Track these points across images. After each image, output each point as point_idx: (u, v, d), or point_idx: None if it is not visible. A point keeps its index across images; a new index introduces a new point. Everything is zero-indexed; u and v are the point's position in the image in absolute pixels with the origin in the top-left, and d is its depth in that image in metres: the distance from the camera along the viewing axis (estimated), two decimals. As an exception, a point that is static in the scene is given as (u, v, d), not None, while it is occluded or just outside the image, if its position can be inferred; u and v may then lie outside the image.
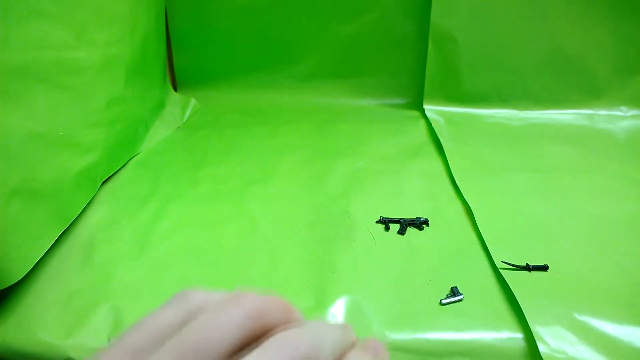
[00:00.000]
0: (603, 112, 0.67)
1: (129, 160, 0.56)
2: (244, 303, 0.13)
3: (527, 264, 0.39)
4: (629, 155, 0.58)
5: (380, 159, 0.57)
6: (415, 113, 0.70)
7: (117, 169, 0.54)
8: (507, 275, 0.38)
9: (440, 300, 0.36)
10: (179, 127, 0.67)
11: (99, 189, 0.49)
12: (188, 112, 0.71)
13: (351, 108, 0.72)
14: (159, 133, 0.63)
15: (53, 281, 0.38)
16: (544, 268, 0.39)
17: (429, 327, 0.34)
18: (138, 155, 0.58)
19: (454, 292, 0.36)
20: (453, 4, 0.66)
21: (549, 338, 0.32)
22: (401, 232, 0.44)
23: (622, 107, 0.67)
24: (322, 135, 0.64)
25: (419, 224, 0.45)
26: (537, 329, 0.33)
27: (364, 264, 0.40)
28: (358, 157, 0.57)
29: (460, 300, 0.36)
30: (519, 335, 0.33)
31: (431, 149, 0.60)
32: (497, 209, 0.47)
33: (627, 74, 0.67)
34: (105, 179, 0.51)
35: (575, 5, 0.64)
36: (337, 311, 0.35)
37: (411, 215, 0.46)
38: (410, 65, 0.72)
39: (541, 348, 0.31)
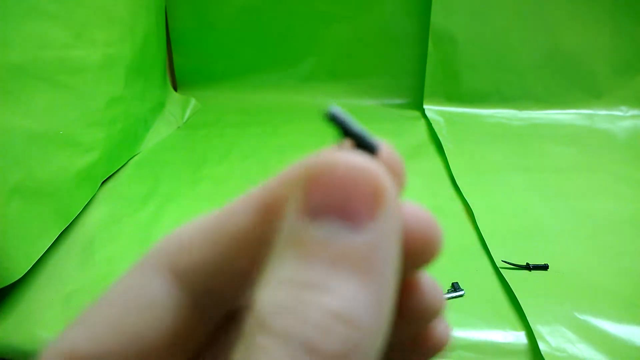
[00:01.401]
0: (603, 112, 0.67)
1: (129, 160, 0.56)
2: None
3: (527, 264, 0.39)
4: (629, 155, 0.58)
5: (380, 159, 0.57)
6: (415, 113, 0.70)
7: (117, 168, 0.54)
8: (508, 274, 0.38)
9: None
10: (179, 127, 0.67)
11: (99, 189, 0.49)
12: (188, 112, 0.71)
13: (351, 108, 0.72)
14: (159, 133, 0.63)
15: (53, 280, 0.38)
16: (544, 267, 0.39)
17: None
18: (138, 154, 0.58)
19: (455, 287, 0.36)
20: (453, 4, 0.66)
21: (549, 337, 0.32)
22: None
23: (622, 107, 0.67)
24: (323, 135, 0.64)
25: None
26: (538, 328, 0.33)
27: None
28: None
29: (461, 295, 0.36)
30: (520, 333, 0.33)
31: (431, 149, 0.60)
32: (497, 208, 0.47)
33: (627, 74, 0.67)
34: (105, 178, 0.51)
35: (576, 5, 0.65)
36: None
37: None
38: (410, 65, 0.72)
39: (542, 346, 0.31)
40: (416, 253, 0.10)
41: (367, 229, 0.08)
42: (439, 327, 0.12)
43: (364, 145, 0.09)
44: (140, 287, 0.10)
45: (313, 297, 0.08)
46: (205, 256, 0.10)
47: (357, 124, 0.09)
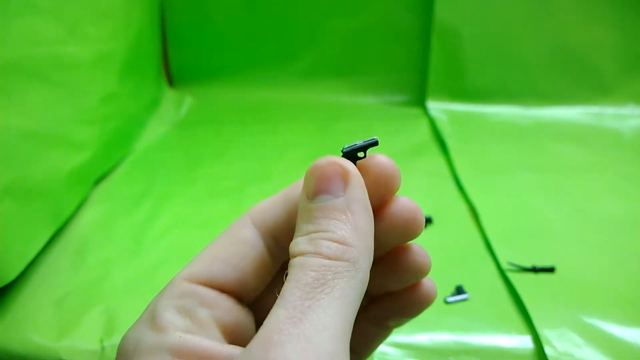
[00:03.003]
0: (610, 110, 0.66)
1: (123, 159, 0.55)
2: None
3: (533, 266, 0.38)
4: (637, 154, 0.57)
5: (381, 157, 0.56)
6: (418, 110, 0.69)
7: (111, 167, 0.53)
8: (513, 276, 0.37)
9: (445, 298, 0.35)
10: (174, 125, 0.66)
11: (92, 188, 0.48)
12: (184, 109, 0.70)
13: (352, 105, 0.71)
14: (154, 131, 0.62)
15: (45, 282, 0.37)
16: (551, 269, 0.38)
17: (434, 326, 0.33)
18: (132, 153, 0.57)
19: (459, 290, 0.36)
20: (458, -2, 0.65)
21: (555, 341, 0.31)
22: None
23: (630, 105, 0.66)
24: (322, 133, 0.63)
25: None
26: (544, 332, 0.32)
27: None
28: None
29: (465, 299, 0.35)
30: (526, 337, 0.32)
31: (434, 147, 0.59)
32: (502, 208, 0.46)
33: (635, 71, 0.65)
34: (99, 178, 0.50)
35: (583, 0, 0.63)
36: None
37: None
38: (413, 61, 0.70)
39: (548, 351, 0.31)
40: (408, 229, 0.17)
41: (342, 195, 0.15)
42: (427, 282, 0.19)
43: (348, 154, 0.17)
44: (237, 233, 0.17)
45: (319, 235, 0.14)
46: (277, 216, 0.17)
47: (355, 143, 0.17)
